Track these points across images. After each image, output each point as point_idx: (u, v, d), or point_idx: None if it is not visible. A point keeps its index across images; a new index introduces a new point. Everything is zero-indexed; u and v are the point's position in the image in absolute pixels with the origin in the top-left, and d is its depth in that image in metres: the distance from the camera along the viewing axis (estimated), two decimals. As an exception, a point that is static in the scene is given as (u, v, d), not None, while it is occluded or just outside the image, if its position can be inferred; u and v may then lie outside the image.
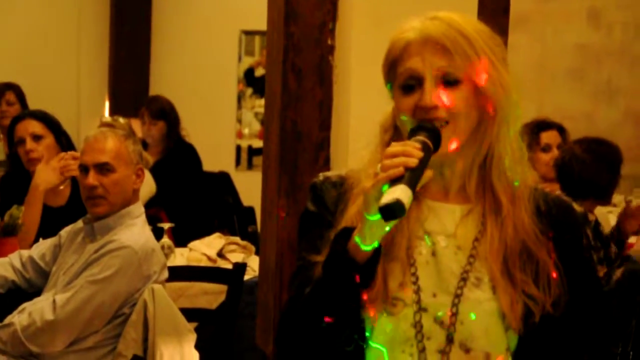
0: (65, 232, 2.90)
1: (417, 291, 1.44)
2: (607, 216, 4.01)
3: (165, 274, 2.80)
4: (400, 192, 1.30)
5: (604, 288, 3.21)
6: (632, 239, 3.86)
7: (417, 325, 1.43)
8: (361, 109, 2.48)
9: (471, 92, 1.43)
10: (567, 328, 1.48)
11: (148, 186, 4.37)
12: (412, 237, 1.46)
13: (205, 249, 3.76)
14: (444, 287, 1.44)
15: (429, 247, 1.47)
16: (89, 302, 2.63)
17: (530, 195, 1.49)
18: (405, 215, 1.31)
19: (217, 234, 3.94)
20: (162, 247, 3.37)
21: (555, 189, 3.34)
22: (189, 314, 2.89)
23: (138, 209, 2.83)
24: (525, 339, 1.45)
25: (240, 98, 7.00)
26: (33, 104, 4.95)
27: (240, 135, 7.03)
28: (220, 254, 3.78)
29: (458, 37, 1.42)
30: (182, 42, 6.80)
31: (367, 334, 1.45)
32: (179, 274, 3.17)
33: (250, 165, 7.01)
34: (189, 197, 5.00)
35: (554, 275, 1.45)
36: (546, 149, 3.94)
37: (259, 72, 6.93)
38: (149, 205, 4.28)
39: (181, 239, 4.07)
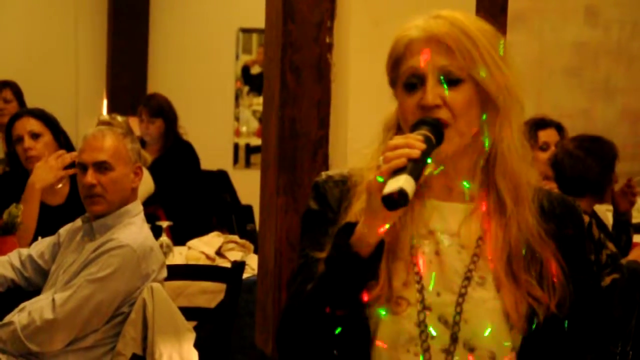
0: (64, 230, 2.90)
1: (421, 290, 1.43)
2: (607, 214, 4.02)
3: (164, 273, 2.80)
4: (404, 182, 1.30)
5: None
6: (637, 237, 3.88)
7: (421, 325, 1.43)
8: (359, 107, 2.48)
9: (474, 92, 1.43)
10: (572, 328, 1.48)
11: (146, 184, 4.37)
12: (415, 236, 1.46)
13: (203, 248, 3.76)
14: (448, 286, 1.44)
15: (432, 246, 1.46)
16: (88, 301, 2.62)
17: (535, 195, 1.48)
18: (408, 204, 1.31)
19: (215, 233, 3.94)
20: (161, 246, 3.37)
21: (553, 187, 3.35)
22: (188, 312, 2.89)
23: (136, 208, 2.83)
24: (530, 339, 1.45)
25: (237, 96, 7.00)
26: (31, 102, 4.94)
27: (238, 133, 7.03)
28: (219, 253, 3.78)
29: (461, 36, 1.41)
30: (180, 40, 6.80)
31: (370, 333, 1.45)
32: (177, 272, 3.17)
33: (248, 164, 7.01)
34: (187, 196, 5.00)
35: (559, 276, 1.44)
36: (544, 147, 3.94)
37: (255, 70, 6.93)
38: (147, 204, 4.27)
39: (180, 238, 4.07)
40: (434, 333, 1.43)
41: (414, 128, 1.40)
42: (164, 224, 3.91)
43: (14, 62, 6.33)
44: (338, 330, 1.40)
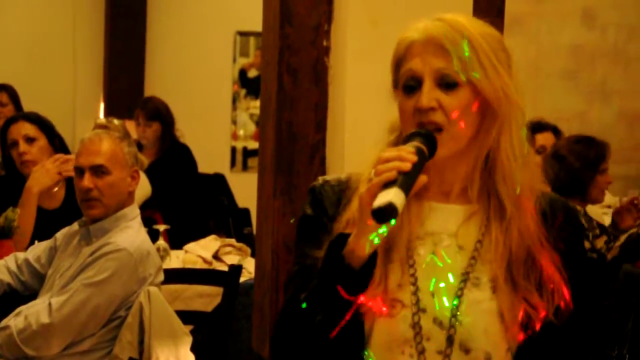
0: (60, 234, 2.90)
1: (416, 292, 1.43)
2: (602, 217, 4.02)
3: (161, 277, 2.79)
4: (393, 195, 1.30)
5: (607, 255, 3.23)
6: None
7: (416, 327, 1.42)
8: (356, 110, 2.48)
9: (471, 96, 1.42)
10: (569, 334, 1.47)
11: (143, 188, 4.36)
12: (412, 238, 1.45)
13: (200, 251, 3.76)
14: (443, 287, 1.44)
15: (429, 247, 1.46)
16: (84, 305, 2.62)
17: (537, 201, 1.47)
18: (397, 217, 1.31)
19: (212, 236, 3.94)
20: (158, 250, 3.36)
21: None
22: (185, 316, 2.89)
23: (133, 211, 2.82)
24: (525, 343, 1.44)
25: (235, 99, 7.00)
26: (29, 106, 4.93)
27: (235, 136, 7.03)
28: (216, 256, 3.78)
29: (459, 39, 1.41)
30: (177, 44, 6.80)
31: (365, 335, 1.44)
32: (174, 276, 3.16)
33: (245, 167, 7.00)
34: (184, 199, 4.99)
35: (559, 284, 1.43)
36: (541, 150, 3.94)
37: (252, 73, 6.93)
38: (144, 207, 4.27)
39: (177, 241, 4.06)
40: (429, 335, 1.42)
41: (407, 140, 1.40)
42: (161, 227, 3.91)
43: (11, 65, 6.32)
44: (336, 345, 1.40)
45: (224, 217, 5.45)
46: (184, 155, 5.12)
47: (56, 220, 3.19)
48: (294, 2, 2.48)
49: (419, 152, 1.36)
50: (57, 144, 3.56)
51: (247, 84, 6.98)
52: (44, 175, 3.36)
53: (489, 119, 1.44)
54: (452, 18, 1.44)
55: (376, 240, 1.35)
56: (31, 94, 5.39)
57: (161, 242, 3.74)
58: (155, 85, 6.61)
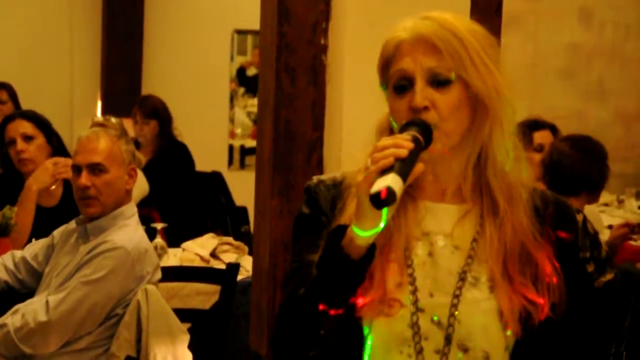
0: (58, 232, 2.90)
1: (414, 292, 1.44)
2: (599, 215, 4.03)
3: (159, 275, 2.79)
4: (391, 180, 1.30)
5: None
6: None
7: (415, 326, 1.43)
8: (354, 109, 2.48)
9: (463, 93, 1.43)
10: (566, 330, 1.48)
11: (141, 186, 4.37)
12: (409, 238, 1.46)
13: (198, 249, 3.76)
14: (441, 287, 1.44)
15: (426, 247, 1.47)
16: (82, 303, 2.62)
17: (529, 196, 1.48)
18: (395, 202, 1.31)
19: (210, 234, 3.94)
20: (155, 248, 3.37)
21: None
22: (182, 314, 2.89)
23: (131, 210, 2.82)
24: (523, 340, 1.45)
25: (232, 97, 7.00)
26: (26, 104, 4.94)
27: (232, 135, 7.03)
28: (213, 254, 3.78)
29: (449, 37, 1.41)
30: (175, 42, 6.79)
31: (364, 334, 1.45)
32: (172, 274, 3.16)
33: (242, 165, 7.00)
34: (182, 197, 4.99)
35: (553, 278, 1.44)
36: (539, 148, 3.95)
37: (251, 71, 6.93)
38: (141, 205, 4.27)
39: (174, 239, 4.06)
40: (427, 334, 1.43)
41: (403, 129, 1.40)
42: (159, 225, 3.91)
43: (8, 64, 6.32)
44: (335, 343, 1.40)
45: (222, 215, 5.45)
46: (182, 153, 5.12)
47: (54, 218, 3.19)
48: (292, 0, 2.48)
49: (415, 140, 1.37)
50: (55, 142, 3.56)
51: (245, 83, 6.98)
52: (44, 173, 3.37)
53: (481, 115, 1.45)
54: (439, 16, 1.44)
55: (375, 230, 1.34)
56: (29, 92, 5.39)
57: (159, 240, 3.74)
58: (153, 83, 6.61)
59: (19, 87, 5.26)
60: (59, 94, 6.57)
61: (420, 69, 1.42)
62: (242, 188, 5.17)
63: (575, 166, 3.36)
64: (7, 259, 2.93)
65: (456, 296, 1.44)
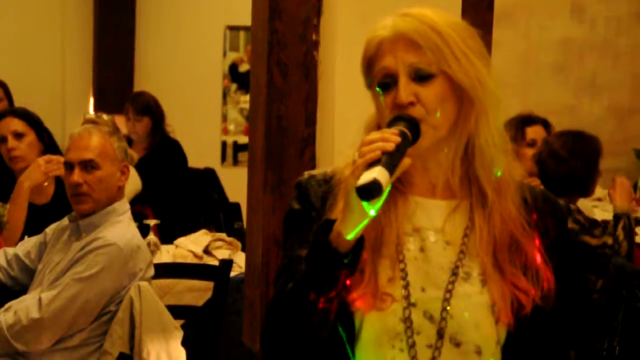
0: (50, 229, 2.89)
1: (406, 286, 1.44)
2: (592, 210, 4.03)
3: (151, 271, 2.79)
4: (377, 173, 1.31)
5: (611, 253, 3.26)
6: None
7: (407, 321, 1.43)
8: (346, 105, 2.48)
9: (447, 86, 1.44)
10: (556, 322, 1.49)
11: (133, 183, 4.36)
12: (400, 234, 1.46)
13: (191, 246, 3.75)
14: (433, 281, 1.45)
15: (417, 242, 1.47)
16: (74, 300, 2.62)
17: (517, 187, 1.49)
18: (382, 195, 1.31)
19: (203, 231, 3.93)
20: (148, 244, 3.36)
21: (538, 184, 3.36)
22: (176, 311, 2.89)
23: (123, 206, 2.82)
24: (515, 332, 1.46)
25: (225, 94, 6.99)
26: (18, 101, 4.92)
27: (225, 131, 7.02)
28: (207, 251, 3.78)
29: (429, 32, 1.42)
30: (167, 38, 6.78)
31: (355, 329, 1.45)
32: (165, 271, 3.16)
33: (235, 162, 6.99)
34: (175, 194, 4.98)
35: (543, 267, 1.46)
36: (532, 143, 3.95)
37: (243, 67, 6.92)
38: (134, 202, 4.26)
39: (167, 236, 4.05)
40: (419, 329, 1.43)
41: (390, 124, 1.41)
42: (152, 222, 3.90)
43: (0, 62, 6.29)
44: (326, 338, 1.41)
45: (215, 212, 5.44)
46: (174, 150, 5.11)
47: (46, 216, 3.19)
48: (284, -4, 2.48)
49: (402, 134, 1.37)
50: (46, 140, 3.55)
51: (238, 79, 6.97)
52: (36, 170, 3.36)
53: (466, 107, 1.46)
54: (418, 12, 1.45)
55: (362, 223, 1.35)
56: (20, 90, 5.36)
57: (151, 237, 3.73)
58: (145, 80, 6.59)
59: (10, 83, 5.23)
60: (50, 90, 6.55)
61: (403, 65, 1.43)
62: (235, 184, 5.17)
63: (559, 168, 3.38)
64: (0, 256, 2.92)
65: (448, 291, 1.44)
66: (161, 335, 2.67)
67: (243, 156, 6.84)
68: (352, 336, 1.45)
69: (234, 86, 6.99)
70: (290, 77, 2.50)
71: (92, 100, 6.68)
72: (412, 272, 1.45)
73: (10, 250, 2.94)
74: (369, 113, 1.53)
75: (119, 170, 2.81)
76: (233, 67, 6.97)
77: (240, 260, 3.53)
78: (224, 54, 6.94)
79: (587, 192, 3.46)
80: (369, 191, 1.30)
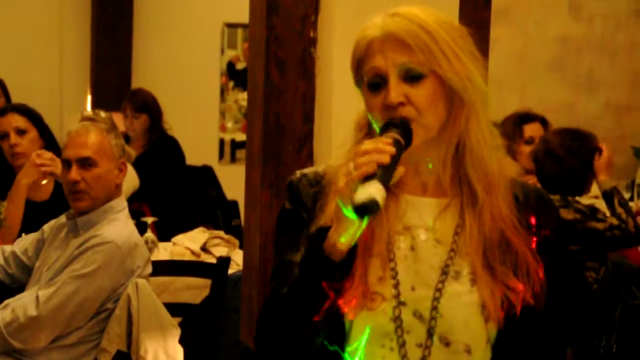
0: (48, 227, 2.89)
1: (396, 285, 1.44)
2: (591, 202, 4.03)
3: (149, 269, 2.79)
4: (374, 190, 1.31)
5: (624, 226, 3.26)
6: None
7: (397, 320, 1.43)
8: (344, 102, 2.47)
9: (437, 86, 1.43)
10: (548, 320, 1.48)
11: (131, 180, 4.35)
12: (391, 233, 1.46)
13: (189, 243, 3.75)
14: (423, 281, 1.45)
15: (408, 241, 1.47)
16: (72, 298, 2.61)
17: (508, 185, 1.49)
18: (379, 212, 1.32)
19: (200, 228, 3.93)
20: (146, 242, 3.36)
21: (535, 182, 3.36)
22: (173, 308, 2.89)
23: (121, 204, 2.82)
24: (505, 331, 1.46)
25: (223, 91, 6.99)
26: (15, 98, 4.92)
27: (223, 128, 7.02)
28: (204, 248, 3.77)
29: (419, 32, 1.42)
30: (165, 35, 6.77)
31: (346, 329, 1.45)
32: (162, 268, 3.16)
33: (233, 159, 6.99)
34: (172, 191, 4.98)
35: (534, 266, 1.45)
36: (529, 141, 3.96)
37: (240, 65, 6.91)
38: (132, 200, 4.26)
39: (165, 233, 4.05)
40: (409, 328, 1.43)
41: (382, 130, 1.41)
42: (149, 219, 3.90)
43: (-2, 59, 6.28)
44: (319, 341, 1.41)
45: (212, 209, 5.44)
46: (172, 147, 5.11)
47: (44, 213, 3.18)
48: (281, -7, 2.48)
49: (396, 143, 1.37)
50: (47, 136, 3.55)
51: (235, 76, 6.96)
52: (31, 167, 3.35)
53: (457, 106, 1.45)
54: (407, 11, 1.45)
55: (356, 234, 1.36)
56: (17, 87, 5.35)
57: (149, 235, 3.73)
58: (143, 77, 6.58)
59: (8, 81, 5.22)
60: (48, 88, 6.53)
61: (392, 65, 1.42)
62: (233, 182, 5.16)
63: (554, 167, 3.38)
64: (-3, 253, 2.92)
65: (438, 290, 1.44)
66: (159, 332, 2.67)
67: (241, 153, 6.83)
68: (343, 336, 1.45)
69: (231, 83, 6.98)
70: (288, 74, 2.50)
71: (89, 98, 6.67)
72: (403, 271, 1.45)
73: (8, 248, 2.93)
74: (359, 110, 1.53)
75: (117, 168, 2.81)
76: (231, 65, 6.96)
77: (237, 258, 3.52)
78: (222, 52, 6.93)
79: (582, 190, 3.46)
80: (366, 209, 1.31)
